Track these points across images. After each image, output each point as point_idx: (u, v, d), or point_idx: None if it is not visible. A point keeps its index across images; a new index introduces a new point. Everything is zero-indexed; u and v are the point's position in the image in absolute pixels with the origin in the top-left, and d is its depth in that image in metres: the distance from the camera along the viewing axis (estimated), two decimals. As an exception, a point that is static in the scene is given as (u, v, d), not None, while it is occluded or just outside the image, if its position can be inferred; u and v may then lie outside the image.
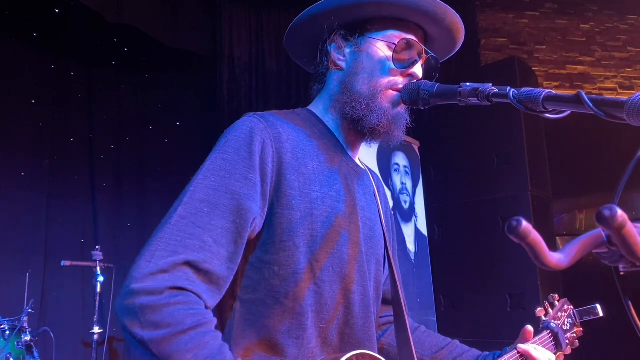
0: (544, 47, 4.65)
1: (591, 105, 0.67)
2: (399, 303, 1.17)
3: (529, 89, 0.78)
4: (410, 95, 1.06)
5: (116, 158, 4.37)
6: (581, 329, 1.36)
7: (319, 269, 1.00)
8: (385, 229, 1.20)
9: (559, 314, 1.34)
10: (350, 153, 1.16)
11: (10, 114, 3.90)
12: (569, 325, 1.34)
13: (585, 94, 0.68)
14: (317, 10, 1.09)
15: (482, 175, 3.27)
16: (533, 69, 3.80)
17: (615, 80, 4.69)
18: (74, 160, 4.18)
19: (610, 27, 4.76)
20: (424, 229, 3.59)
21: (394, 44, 1.07)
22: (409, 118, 1.13)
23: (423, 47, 1.10)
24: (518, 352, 1.20)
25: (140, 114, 4.44)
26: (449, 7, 1.11)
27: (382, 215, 1.20)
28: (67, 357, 3.71)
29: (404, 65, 1.08)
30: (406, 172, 3.52)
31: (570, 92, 0.70)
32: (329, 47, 1.13)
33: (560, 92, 0.75)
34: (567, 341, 1.31)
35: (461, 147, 3.41)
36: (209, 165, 0.95)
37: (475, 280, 3.24)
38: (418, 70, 1.10)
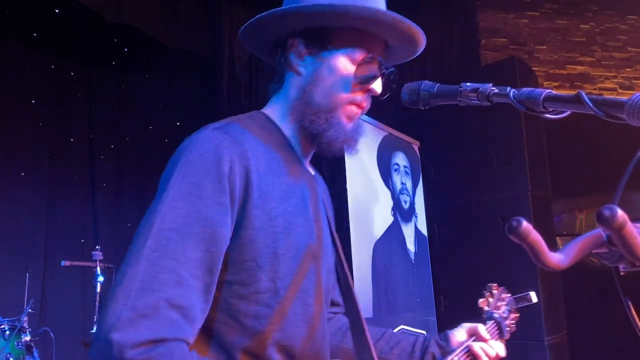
0: (544, 47, 4.65)
1: (591, 105, 0.67)
2: (355, 308, 1.16)
3: (529, 89, 0.78)
4: (410, 96, 1.06)
5: (116, 158, 4.37)
6: (517, 314, 1.44)
7: (282, 287, 0.97)
8: (335, 235, 1.18)
9: (499, 303, 1.41)
10: (305, 162, 1.14)
11: (10, 114, 3.90)
12: (507, 313, 1.41)
13: (585, 94, 0.68)
14: (277, 13, 1.05)
15: (482, 175, 3.27)
16: (533, 69, 3.80)
17: (615, 80, 4.69)
18: (74, 160, 4.18)
19: (610, 27, 4.76)
20: (424, 229, 3.59)
21: (356, 60, 1.04)
22: (363, 131, 1.12)
23: (384, 63, 1.07)
24: (468, 350, 1.22)
25: (140, 114, 4.44)
26: (409, 21, 1.09)
27: (331, 221, 1.19)
28: (67, 357, 3.71)
29: (364, 82, 1.05)
30: (406, 172, 3.52)
31: (570, 92, 0.70)
32: (288, 52, 1.08)
33: (560, 92, 0.75)
34: (508, 328, 1.38)
35: (461, 147, 3.41)
36: (174, 190, 0.88)
37: (475, 280, 3.23)
38: (377, 86, 1.08)
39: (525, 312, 3.05)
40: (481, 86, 0.89)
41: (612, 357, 3.62)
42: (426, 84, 1.05)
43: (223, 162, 0.91)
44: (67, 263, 3.18)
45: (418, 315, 3.24)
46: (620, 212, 0.51)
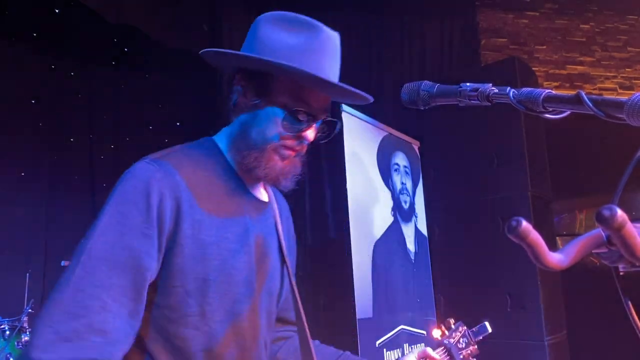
0: (544, 47, 4.65)
1: (591, 105, 0.67)
2: (303, 330, 1.22)
3: (529, 89, 0.78)
4: (410, 96, 1.06)
5: (116, 158, 4.37)
6: (475, 346, 1.49)
7: (211, 311, 1.03)
8: (287, 259, 1.23)
9: (454, 334, 1.46)
10: (251, 189, 1.18)
11: (10, 114, 3.90)
12: (464, 343, 1.47)
13: (585, 94, 0.68)
14: (227, 53, 1.12)
15: (482, 175, 3.27)
16: (533, 69, 3.80)
17: (615, 80, 4.69)
18: (74, 160, 4.18)
19: (610, 27, 4.76)
20: (424, 229, 3.59)
21: (285, 114, 1.08)
22: (300, 169, 1.15)
23: (316, 115, 1.11)
24: None
25: (140, 114, 4.44)
26: (349, 88, 1.13)
27: (284, 245, 1.23)
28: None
29: (292, 132, 1.10)
30: (406, 172, 3.52)
31: (570, 92, 0.70)
32: (236, 87, 1.13)
33: (560, 92, 0.75)
34: (462, 356, 1.44)
35: (461, 147, 3.41)
36: (106, 219, 0.94)
37: (475, 280, 3.24)
38: (310, 134, 1.11)
39: (526, 312, 3.06)
40: (481, 86, 0.89)
41: (612, 357, 3.62)
42: (426, 84, 1.05)
43: (152, 194, 0.96)
44: (67, 263, 3.17)
45: (418, 315, 3.24)
46: (620, 212, 0.51)
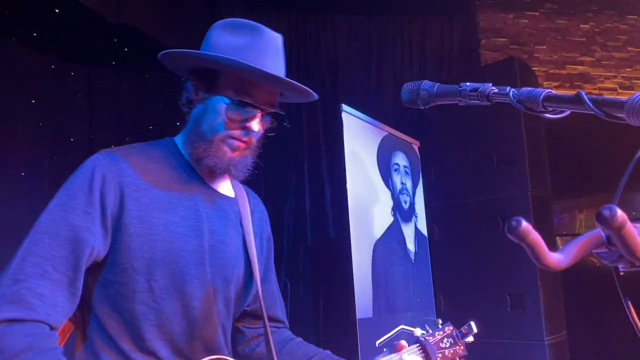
0: (544, 47, 4.65)
1: (591, 105, 0.67)
2: (264, 321, 1.31)
3: (529, 88, 0.78)
4: (410, 95, 1.06)
5: (116, 158, 4.36)
6: (462, 347, 1.51)
7: (158, 288, 1.12)
8: (252, 255, 1.30)
9: (437, 332, 1.47)
10: (210, 182, 1.27)
11: (10, 114, 3.90)
12: (448, 343, 1.47)
13: (585, 94, 0.68)
14: (176, 53, 1.22)
15: (482, 175, 3.27)
16: (533, 69, 3.79)
17: (615, 80, 4.69)
18: (74, 160, 4.16)
19: (610, 27, 4.76)
20: (424, 229, 3.59)
21: (228, 103, 1.18)
22: (251, 161, 1.25)
23: (260, 107, 1.20)
24: None
25: (140, 114, 4.44)
26: (291, 81, 1.23)
27: (249, 240, 1.31)
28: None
29: (237, 122, 1.19)
30: (406, 172, 3.52)
31: (570, 92, 0.70)
32: (189, 86, 1.25)
33: (560, 92, 0.75)
34: (441, 356, 1.44)
35: (461, 147, 3.41)
36: (55, 200, 1.10)
37: (475, 280, 3.24)
38: (254, 125, 1.20)
39: (525, 312, 3.06)
40: (481, 86, 0.89)
41: (612, 357, 3.62)
42: (426, 83, 1.05)
43: (95, 178, 1.11)
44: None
45: (418, 315, 3.24)
46: (619, 212, 0.51)
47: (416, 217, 3.54)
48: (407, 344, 1.37)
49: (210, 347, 1.20)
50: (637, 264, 0.60)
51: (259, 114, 1.20)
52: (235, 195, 1.35)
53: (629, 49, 4.74)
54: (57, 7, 3.86)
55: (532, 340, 2.94)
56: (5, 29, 3.85)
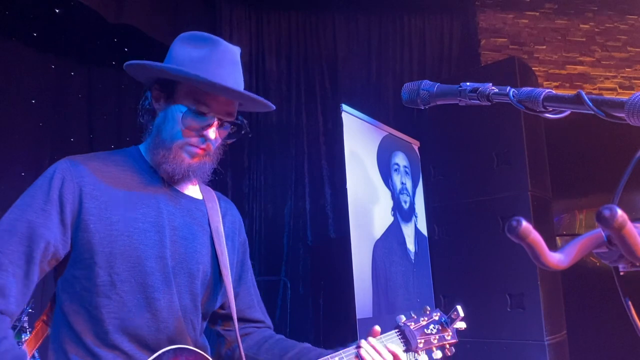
0: (544, 47, 4.65)
1: (591, 105, 0.67)
2: (233, 322, 1.35)
3: (529, 88, 0.78)
4: (410, 95, 1.06)
5: (116, 158, 4.36)
6: (450, 333, 1.47)
7: (120, 281, 1.17)
8: (220, 255, 1.34)
9: (422, 318, 1.46)
10: (173, 185, 1.32)
11: (10, 114, 3.90)
12: (435, 330, 1.46)
13: (585, 94, 0.68)
14: (139, 64, 1.25)
15: (482, 175, 3.27)
16: (533, 69, 3.80)
17: (615, 80, 4.69)
18: (74, 160, 4.17)
19: (610, 27, 4.76)
20: (424, 229, 3.59)
21: (184, 112, 1.23)
22: (212, 167, 1.30)
23: (216, 117, 1.25)
24: (358, 348, 1.31)
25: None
26: (248, 93, 1.25)
27: (217, 240, 1.34)
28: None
29: (194, 129, 1.24)
30: (406, 172, 3.52)
31: (570, 92, 0.70)
32: (151, 94, 1.30)
33: (560, 92, 0.75)
34: (423, 342, 1.42)
35: (461, 147, 3.41)
36: (17, 201, 1.19)
37: (475, 280, 3.24)
38: (211, 133, 1.25)
39: (525, 312, 3.06)
40: (481, 86, 0.89)
41: (612, 357, 3.62)
42: (426, 83, 1.05)
43: (55, 178, 1.18)
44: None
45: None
46: (620, 212, 0.51)
47: (416, 217, 3.54)
48: (379, 330, 1.36)
49: (177, 340, 1.23)
50: (637, 264, 0.60)
51: (215, 123, 1.25)
52: (203, 198, 1.39)
53: (629, 49, 4.74)
54: (57, 7, 3.86)
55: (532, 340, 2.94)
56: (5, 29, 3.85)
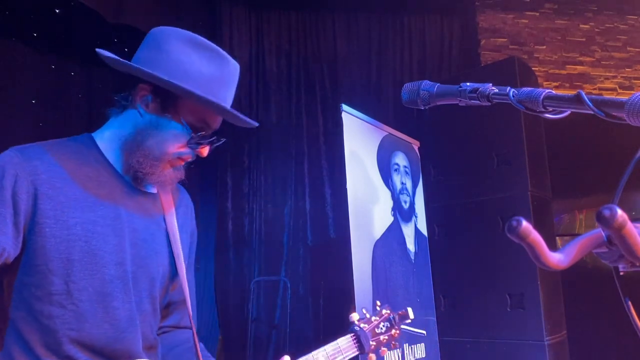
0: (544, 47, 4.65)
1: (591, 105, 0.67)
2: (187, 309, 1.29)
3: (529, 88, 0.78)
4: (410, 95, 1.06)
5: (116, 158, 4.36)
6: (398, 331, 1.50)
7: (77, 289, 1.09)
8: (176, 250, 1.29)
9: (374, 317, 1.46)
10: (131, 180, 1.23)
11: (10, 114, 3.90)
12: (384, 328, 1.47)
13: (585, 94, 0.68)
14: (134, 69, 1.17)
15: (482, 175, 3.27)
16: (533, 69, 3.80)
17: (615, 80, 4.69)
18: (74, 161, 4.17)
19: (610, 27, 4.76)
20: (424, 229, 3.59)
21: (188, 132, 1.18)
22: (184, 174, 1.25)
23: (208, 137, 1.21)
24: None
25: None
26: (240, 116, 1.22)
27: (173, 236, 1.29)
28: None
29: (194, 149, 1.20)
30: (406, 172, 3.52)
31: (570, 92, 0.70)
32: (137, 94, 1.19)
33: (560, 92, 0.75)
34: (375, 343, 1.43)
35: (461, 147, 3.41)
36: None
37: (475, 280, 3.24)
38: (205, 151, 1.22)
39: (525, 312, 3.05)
40: (481, 86, 0.89)
41: (612, 356, 3.62)
42: (426, 83, 1.05)
43: (6, 176, 1.05)
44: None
45: (418, 315, 3.23)
46: (620, 212, 0.51)
47: (416, 217, 3.54)
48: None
49: (135, 350, 1.17)
50: (638, 264, 0.60)
51: (210, 141, 1.22)
52: (157, 191, 1.32)
53: (628, 49, 4.74)
54: (57, 7, 3.86)
55: (532, 340, 2.94)
56: (5, 29, 3.85)
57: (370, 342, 1.42)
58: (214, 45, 1.23)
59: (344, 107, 2.94)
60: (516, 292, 3.05)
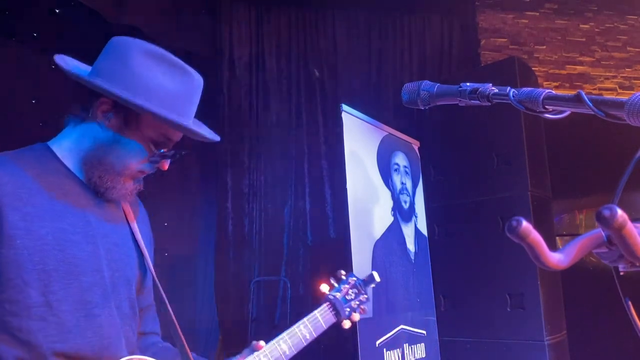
0: (544, 47, 4.65)
1: (591, 105, 0.67)
2: (165, 305, 1.30)
3: (529, 89, 0.78)
4: (410, 96, 1.06)
5: (116, 158, 4.36)
6: (366, 295, 1.59)
7: (56, 300, 1.05)
8: (145, 252, 1.30)
9: (343, 286, 1.55)
10: (91, 186, 1.20)
11: (10, 114, 3.90)
12: (353, 294, 1.55)
13: (585, 94, 0.68)
14: (99, 84, 1.12)
15: (482, 175, 3.27)
16: (533, 69, 3.80)
17: (615, 80, 4.69)
18: (74, 161, 4.17)
19: (610, 27, 4.76)
20: (424, 229, 3.59)
21: (147, 145, 1.18)
22: (140, 186, 1.26)
23: (170, 153, 1.22)
24: None
25: (140, 114, 4.44)
26: (203, 133, 1.24)
27: (137, 236, 1.30)
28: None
29: (155, 164, 1.22)
30: (406, 172, 3.52)
31: (570, 92, 0.70)
32: (98, 107, 1.16)
33: (560, 92, 0.75)
34: (349, 309, 1.52)
35: (461, 147, 3.41)
36: None
37: (475, 280, 3.24)
38: (166, 165, 1.24)
39: (526, 312, 3.05)
40: (481, 86, 0.89)
41: (612, 357, 3.62)
42: (426, 84, 1.05)
43: None
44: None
45: (418, 315, 3.24)
46: (620, 212, 0.51)
47: (416, 217, 3.54)
48: (264, 344, 1.37)
49: (121, 355, 1.17)
50: (637, 264, 0.60)
51: (171, 155, 1.23)
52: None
53: (628, 49, 4.75)
54: (57, 7, 3.86)
55: (532, 340, 2.94)
56: (5, 29, 3.85)
57: (345, 309, 1.50)
58: (177, 59, 1.23)
59: (344, 107, 2.94)
60: (516, 292, 3.05)
